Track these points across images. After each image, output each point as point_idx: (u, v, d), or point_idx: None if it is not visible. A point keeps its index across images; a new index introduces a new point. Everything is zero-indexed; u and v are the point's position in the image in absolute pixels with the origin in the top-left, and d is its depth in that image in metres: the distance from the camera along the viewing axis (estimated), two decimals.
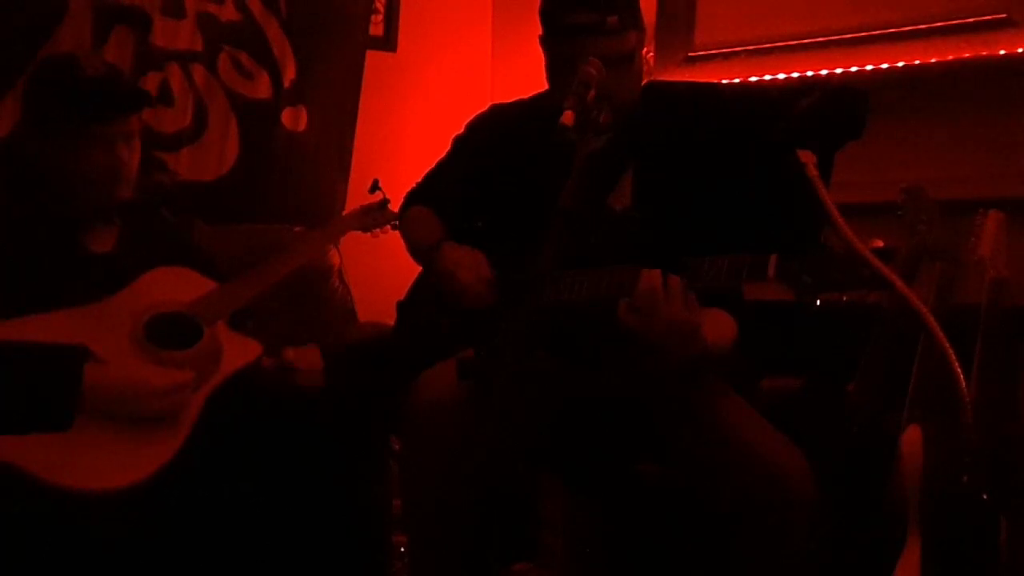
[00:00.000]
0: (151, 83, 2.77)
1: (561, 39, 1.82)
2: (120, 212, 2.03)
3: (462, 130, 2.19)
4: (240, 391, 1.86)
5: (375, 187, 2.32)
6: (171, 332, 1.87)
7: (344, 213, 2.32)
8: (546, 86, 1.95)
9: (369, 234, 2.31)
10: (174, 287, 1.96)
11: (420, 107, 3.38)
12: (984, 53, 2.46)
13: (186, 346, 1.86)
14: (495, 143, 2.07)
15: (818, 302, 1.50)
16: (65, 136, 1.91)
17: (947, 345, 1.48)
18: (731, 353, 1.75)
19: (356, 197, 3.03)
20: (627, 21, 1.81)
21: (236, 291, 2.01)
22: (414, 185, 2.23)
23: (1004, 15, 2.46)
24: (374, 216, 2.30)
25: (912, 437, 1.76)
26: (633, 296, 1.62)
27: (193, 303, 1.93)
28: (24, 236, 1.90)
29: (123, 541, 1.67)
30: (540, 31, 1.89)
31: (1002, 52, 2.44)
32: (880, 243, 1.89)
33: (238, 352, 1.92)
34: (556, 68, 1.86)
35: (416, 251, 2.12)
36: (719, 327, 1.74)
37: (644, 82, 1.96)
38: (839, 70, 2.68)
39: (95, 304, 1.86)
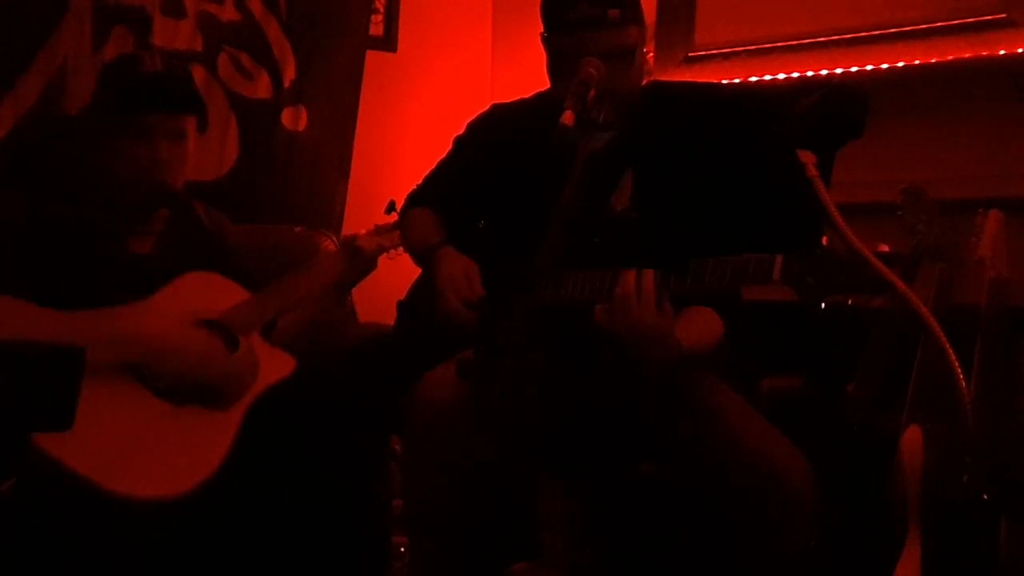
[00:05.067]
0: None
1: (563, 34, 1.82)
2: (164, 203, 2.06)
3: (463, 130, 2.19)
4: (277, 405, 1.88)
5: (391, 208, 2.30)
6: None
7: (362, 233, 2.30)
8: (546, 85, 1.95)
9: (385, 255, 2.30)
10: (206, 293, 1.98)
11: (420, 107, 3.37)
12: (984, 53, 2.46)
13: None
14: (496, 142, 2.07)
15: (823, 305, 1.50)
16: (115, 131, 1.97)
17: (947, 345, 1.48)
18: (713, 354, 1.75)
19: (356, 198, 3.04)
20: (628, 15, 1.81)
21: (267, 303, 2.03)
22: (415, 186, 2.23)
23: (1004, 15, 2.45)
24: (387, 237, 2.29)
25: (912, 437, 1.76)
26: (610, 299, 1.62)
27: (227, 312, 1.95)
28: (67, 233, 1.93)
29: (154, 548, 1.69)
30: (541, 30, 1.89)
31: (1002, 52, 2.43)
32: (886, 248, 1.90)
33: (274, 366, 1.94)
34: (558, 65, 1.86)
35: (416, 253, 2.12)
36: (700, 328, 1.74)
37: (644, 81, 1.96)
38: (839, 70, 2.68)
39: (132, 304, 1.88)
